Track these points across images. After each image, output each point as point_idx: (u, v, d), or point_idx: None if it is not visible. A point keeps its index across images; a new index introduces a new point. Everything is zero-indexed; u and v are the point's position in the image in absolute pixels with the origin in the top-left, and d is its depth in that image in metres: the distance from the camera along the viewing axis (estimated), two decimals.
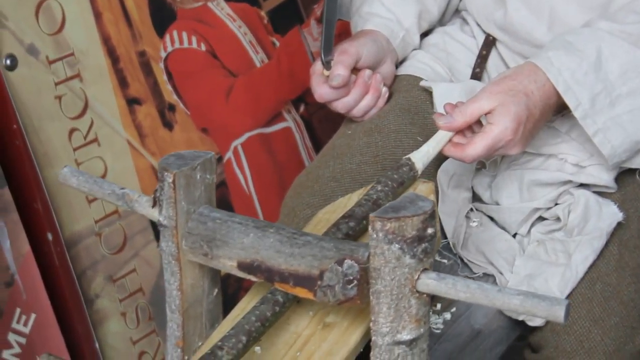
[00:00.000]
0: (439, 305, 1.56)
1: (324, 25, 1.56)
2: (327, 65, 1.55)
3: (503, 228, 1.55)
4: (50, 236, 1.70)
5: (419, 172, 1.34)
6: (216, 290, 1.22)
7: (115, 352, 1.83)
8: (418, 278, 1.02)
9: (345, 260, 1.06)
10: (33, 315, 1.69)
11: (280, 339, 1.14)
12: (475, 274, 1.56)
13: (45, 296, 1.69)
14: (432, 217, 1.01)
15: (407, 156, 1.34)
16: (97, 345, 1.78)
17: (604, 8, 1.51)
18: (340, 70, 1.53)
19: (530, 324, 1.46)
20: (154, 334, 1.88)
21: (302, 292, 1.09)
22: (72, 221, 1.75)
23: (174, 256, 1.16)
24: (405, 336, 1.03)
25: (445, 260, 1.63)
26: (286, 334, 1.14)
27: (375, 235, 1.01)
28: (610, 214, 1.46)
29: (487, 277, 1.54)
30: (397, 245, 1.00)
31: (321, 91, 1.56)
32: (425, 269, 1.02)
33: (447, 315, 1.55)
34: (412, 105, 1.62)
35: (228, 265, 1.14)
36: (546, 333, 1.45)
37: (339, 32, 2.03)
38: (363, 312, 1.13)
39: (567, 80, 1.40)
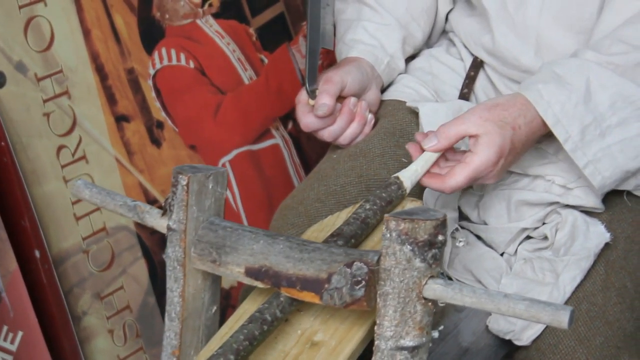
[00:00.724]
0: None
1: (307, 54, 1.57)
2: (312, 94, 1.56)
3: (490, 247, 1.55)
4: (37, 253, 1.70)
5: (407, 191, 1.34)
6: (215, 307, 1.24)
7: None
8: (425, 284, 1.04)
9: (355, 263, 1.08)
10: (20, 333, 1.69)
11: (268, 357, 1.14)
12: None
13: (32, 314, 1.69)
14: (443, 225, 1.04)
15: (395, 175, 1.35)
16: None
17: (590, 33, 1.52)
18: (325, 100, 1.54)
19: (517, 343, 1.46)
20: (141, 351, 1.88)
21: (308, 297, 1.11)
22: (59, 238, 1.75)
23: (180, 262, 1.18)
24: (409, 342, 1.05)
25: None
26: (274, 353, 1.15)
27: (388, 235, 1.03)
28: (598, 234, 1.47)
29: None
30: (409, 247, 1.03)
31: (307, 121, 1.57)
32: (432, 276, 1.05)
33: (435, 334, 1.54)
34: (396, 129, 1.62)
35: (235, 271, 1.16)
36: (532, 352, 1.45)
37: (325, 61, 2.04)
38: (351, 332, 1.13)
39: (556, 114, 1.40)
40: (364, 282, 1.07)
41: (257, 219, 2.04)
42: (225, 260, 1.16)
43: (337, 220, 1.34)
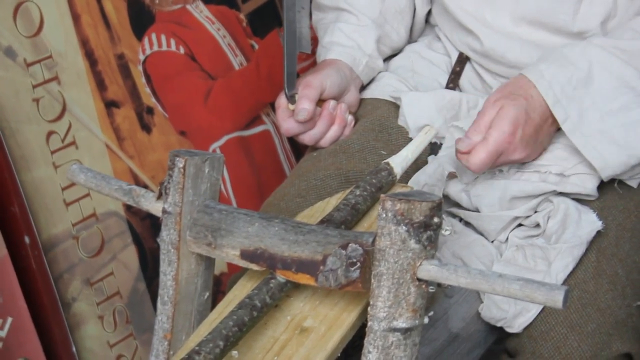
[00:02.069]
0: None
1: (285, 59, 1.58)
2: (291, 99, 1.57)
3: (481, 234, 1.55)
4: (27, 239, 1.69)
5: (398, 177, 1.35)
6: (207, 293, 1.24)
7: (92, 356, 1.82)
8: (420, 265, 1.04)
9: (350, 244, 1.08)
10: (9, 319, 1.69)
11: (258, 343, 1.14)
12: None
13: (22, 300, 1.69)
14: (439, 207, 1.04)
15: (385, 160, 1.35)
16: (74, 348, 1.78)
17: (570, 30, 1.54)
18: (305, 105, 1.55)
19: (509, 330, 1.46)
20: (131, 337, 1.88)
21: (303, 279, 1.11)
22: (49, 224, 1.75)
23: (174, 245, 1.19)
24: (402, 324, 1.05)
25: None
26: (264, 339, 1.15)
27: (384, 215, 1.03)
28: (590, 222, 1.47)
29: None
30: (404, 227, 1.03)
31: (287, 126, 1.58)
32: (427, 258, 1.05)
33: (425, 319, 1.55)
34: (375, 125, 1.64)
35: (231, 254, 1.16)
36: (523, 339, 1.45)
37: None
38: (340, 318, 1.13)
39: (556, 94, 1.42)
40: (359, 264, 1.07)
41: (248, 205, 2.04)
42: (220, 243, 1.17)
43: (327, 206, 1.33)
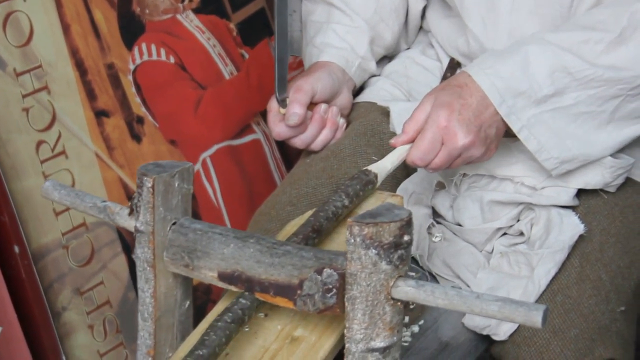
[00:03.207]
0: (407, 318, 1.56)
1: (276, 63, 1.58)
2: (282, 103, 1.57)
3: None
4: (17, 249, 1.69)
5: (378, 184, 1.35)
6: (188, 302, 1.22)
7: None
8: (395, 285, 1.03)
9: (325, 269, 1.07)
10: None
11: (248, 352, 1.14)
12: None
13: (11, 309, 1.68)
14: (408, 224, 1.02)
15: (374, 172, 1.35)
16: (64, 358, 1.77)
17: None
18: (296, 109, 1.55)
19: (495, 338, 1.47)
20: (121, 347, 1.88)
21: (282, 302, 1.10)
22: (39, 234, 1.74)
23: (149, 263, 1.17)
24: (379, 343, 1.04)
25: (413, 273, 1.63)
26: (254, 348, 1.14)
27: (352, 240, 1.02)
28: (572, 225, 1.48)
29: None
30: (374, 251, 1.01)
31: (278, 130, 1.58)
32: (401, 276, 1.03)
33: (415, 328, 1.55)
34: (368, 129, 1.64)
35: (209, 276, 1.15)
36: (507, 345, 1.45)
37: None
38: (330, 327, 1.13)
39: (492, 79, 1.42)
40: (335, 290, 1.06)
41: (238, 214, 2.04)
42: (198, 265, 1.15)
43: None
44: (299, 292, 1.08)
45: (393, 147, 1.43)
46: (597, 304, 1.44)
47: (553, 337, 1.42)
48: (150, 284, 1.17)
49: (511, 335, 1.45)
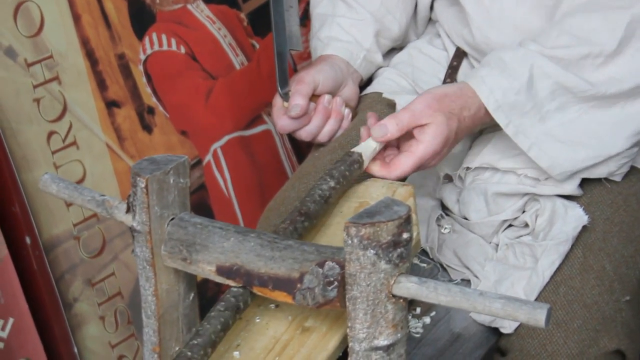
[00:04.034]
0: (418, 310, 1.56)
1: (276, 58, 1.57)
2: (285, 97, 1.57)
3: None
4: (28, 240, 1.69)
5: (364, 168, 1.36)
6: (192, 294, 1.21)
7: (93, 356, 1.82)
8: (397, 282, 1.01)
9: (327, 262, 1.06)
10: (11, 320, 1.69)
11: (259, 343, 1.14)
12: (453, 280, 1.56)
13: (23, 300, 1.68)
14: (407, 221, 1.01)
15: (358, 151, 1.35)
16: (75, 349, 1.77)
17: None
18: (298, 100, 1.54)
19: (503, 330, 1.47)
20: (132, 338, 1.88)
21: (280, 296, 1.09)
22: (50, 225, 1.74)
23: (148, 261, 1.15)
24: (383, 342, 1.03)
25: (424, 265, 1.63)
26: (265, 339, 1.14)
27: (350, 242, 1.00)
28: (576, 217, 1.47)
29: (466, 283, 1.55)
30: (372, 251, 1.00)
31: (282, 123, 1.58)
32: (402, 274, 1.02)
33: (427, 319, 1.55)
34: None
35: (207, 270, 1.13)
36: (512, 337, 1.45)
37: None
38: (342, 317, 1.13)
39: (498, 100, 1.42)
40: (336, 283, 1.05)
41: (249, 205, 2.04)
42: (196, 259, 1.13)
43: None
44: (298, 285, 1.07)
45: (372, 136, 1.40)
46: (601, 294, 1.44)
47: (556, 329, 1.42)
48: (150, 282, 1.16)
49: (516, 328, 1.44)
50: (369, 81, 1.75)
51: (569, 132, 1.44)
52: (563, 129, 1.44)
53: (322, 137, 1.61)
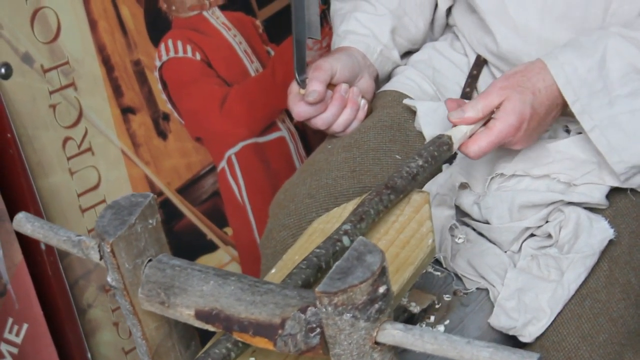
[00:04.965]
0: (432, 318, 1.56)
1: (294, 45, 1.57)
2: (302, 84, 1.56)
3: (494, 243, 1.55)
4: (43, 246, 1.69)
5: (454, 151, 1.38)
6: None
7: None
8: (382, 329, 0.99)
9: (309, 308, 1.03)
10: (25, 325, 1.69)
11: (272, 355, 1.13)
12: (468, 290, 1.55)
13: (37, 306, 1.69)
14: (382, 274, 0.98)
15: (448, 134, 1.37)
16: (89, 355, 1.78)
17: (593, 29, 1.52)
18: (315, 86, 1.54)
19: (521, 339, 1.46)
20: None
21: (261, 342, 1.05)
22: None
23: (130, 311, 1.14)
24: None
25: (438, 273, 1.62)
26: (275, 352, 1.13)
27: (324, 310, 0.98)
28: (601, 230, 1.46)
29: (480, 292, 1.54)
30: (348, 315, 0.98)
31: (298, 109, 1.57)
32: (387, 320, 1.00)
33: (441, 328, 1.54)
34: (394, 122, 1.62)
35: (185, 314, 1.10)
36: (535, 349, 1.44)
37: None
38: None
39: (568, 75, 1.41)
40: (319, 329, 1.02)
41: (263, 212, 2.04)
42: (174, 302, 1.10)
43: (343, 212, 1.32)
44: (280, 331, 1.03)
45: (449, 119, 1.42)
46: (627, 308, 1.43)
47: (582, 342, 1.41)
48: (137, 328, 1.15)
49: (539, 340, 1.43)
50: (387, 79, 1.74)
51: (635, 123, 1.43)
52: (630, 118, 1.42)
53: (337, 126, 1.60)
